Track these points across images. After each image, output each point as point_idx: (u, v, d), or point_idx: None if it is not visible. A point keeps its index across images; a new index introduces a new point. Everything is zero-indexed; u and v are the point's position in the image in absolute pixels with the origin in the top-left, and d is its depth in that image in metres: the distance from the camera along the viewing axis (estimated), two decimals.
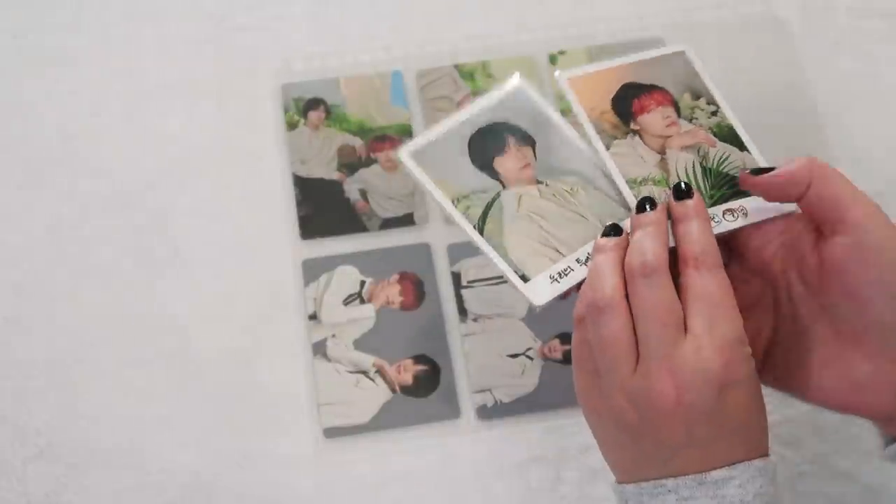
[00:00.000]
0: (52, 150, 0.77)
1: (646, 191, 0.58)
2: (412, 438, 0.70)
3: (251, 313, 0.73)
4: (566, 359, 0.72)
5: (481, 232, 0.57)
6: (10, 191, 0.76)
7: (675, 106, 0.62)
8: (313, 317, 0.72)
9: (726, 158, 0.60)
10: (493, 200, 0.58)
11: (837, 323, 0.56)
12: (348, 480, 0.69)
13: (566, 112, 0.78)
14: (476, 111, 0.60)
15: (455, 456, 0.70)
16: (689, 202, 0.56)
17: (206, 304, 0.73)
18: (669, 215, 0.56)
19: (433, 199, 0.58)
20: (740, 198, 0.58)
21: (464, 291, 0.73)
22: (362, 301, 0.73)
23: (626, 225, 0.56)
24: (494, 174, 0.59)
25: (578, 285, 0.57)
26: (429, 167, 0.58)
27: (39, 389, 0.71)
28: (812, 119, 0.78)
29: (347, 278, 0.73)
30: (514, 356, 0.72)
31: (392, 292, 0.73)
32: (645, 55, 0.63)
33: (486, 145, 0.60)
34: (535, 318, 0.72)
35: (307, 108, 0.78)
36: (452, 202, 0.58)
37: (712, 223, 0.56)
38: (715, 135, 0.61)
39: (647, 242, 0.54)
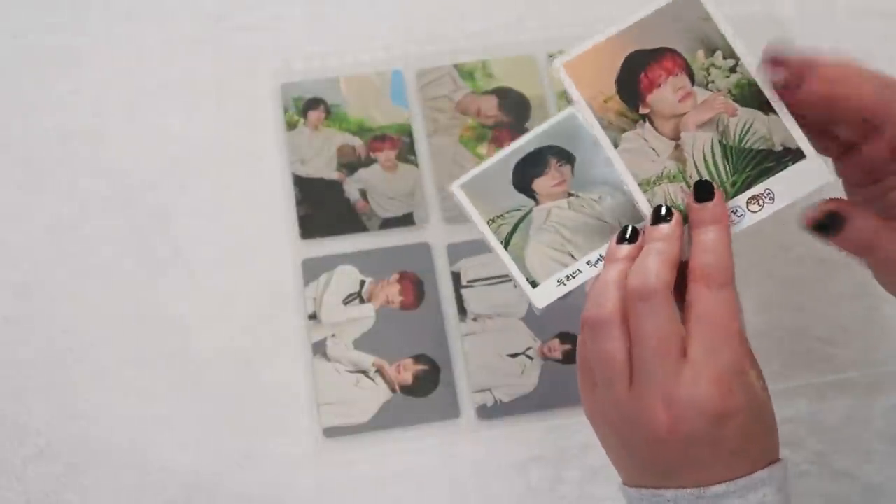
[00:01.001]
0: (52, 150, 0.76)
1: (660, 193, 0.56)
2: (412, 438, 0.70)
3: (251, 313, 0.73)
4: (566, 358, 0.72)
5: (506, 246, 0.58)
6: (10, 191, 0.75)
7: (688, 70, 0.57)
8: (313, 316, 0.72)
9: (748, 128, 0.56)
10: (525, 216, 0.58)
11: None
12: (348, 480, 0.69)
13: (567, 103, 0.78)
14: (525, 141, 0.60)
15: (455, 455, 0.70)
16: (709, 205, 0.54)
17: (206, 304, 0.73)
18: (687, 219, 0.55)
19: (479, 230, 0.59)
20: (765, 178, 0.55)
21: (464, 291, 0.73)
22: (362, 301, 0.73)
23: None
24: (531, 193, 0.59)
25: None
26: (478, 199, 0.59)
27: (39, 389, 0.71)
28: None
29: (347, 278, 0.73)
30: (514, 356, 0.72)
31: (392, 292, 0.73)
32: (647, 9, 0.58)
33: (527, 169, 0.59)
34: (535, 317, 0.72)
35: (307, 107, 0.78)
36: (487, 223, 0.58)
37: (735, 217, 0.55)
38: (735, 99, 0.57)
39: (651, 262, 0.52)
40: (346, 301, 0.73)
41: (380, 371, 0.71)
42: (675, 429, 0.51)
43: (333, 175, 0.76)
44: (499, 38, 0.80)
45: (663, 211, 0.55)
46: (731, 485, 0.51)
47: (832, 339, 0.73)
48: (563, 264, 0.57)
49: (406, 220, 0.75)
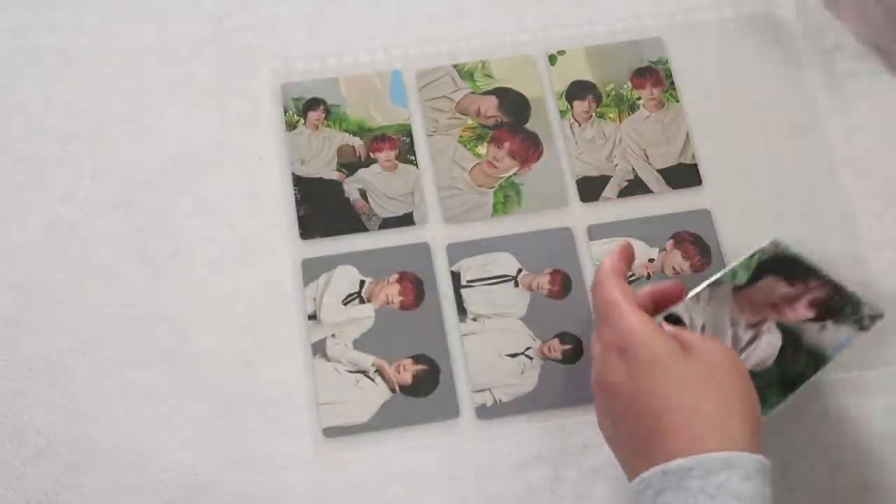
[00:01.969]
0: (52, 150, 0.76)
1: None
2: (412, 438, 0.70)
3: (251, 313, 0.73)
4: (565, 358, 0.72)
5: None
6: (10, 191, 0.75)
7: None
8: (313, 316, 0.72)
9: None
10: None
11: None
12: (348, 480, 0.69)
13: (565, 113, 0.78)
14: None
15: (454, 455, 0.70)
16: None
17: (206, 304, 0.73)
18: None
19: None
20: None
21: (463, 291, 0.73)
22: (362, 301, 0.73)
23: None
24: None
25: None
26: None
27: (39, 389, 0.71)
28: (812, 119, 0.78)
29: (347, 278, 0.73)
30: (514, 356, 0.72)
31: (391, 292, 0.73)
32: None
33: None
34: (535, 317, 0.73)
35: (307, 108, 0.78)
36: None
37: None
38: None
39: None
40: (346, 301, 0.73)
41: (379, 371, 0.71)
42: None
43: (333, 175, 0.76)
44: (498, 39, 0.80)
45: None
46: (690, 460, 0.53)
47: None
48: None
49: (406, 220, 0.75)
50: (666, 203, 0.76)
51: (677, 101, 0.79)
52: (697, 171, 0.77)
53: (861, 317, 0.69)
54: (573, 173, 0.76)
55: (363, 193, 0.76)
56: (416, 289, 0.73)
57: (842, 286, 0.70)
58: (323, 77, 0.79)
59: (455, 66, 0.79)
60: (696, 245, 0.75)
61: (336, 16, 0.81)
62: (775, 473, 0.55)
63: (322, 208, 0.75)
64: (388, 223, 0.75)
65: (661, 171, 0.77)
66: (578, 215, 0.75)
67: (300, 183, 0.76)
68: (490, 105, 0.78)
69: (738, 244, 0.75)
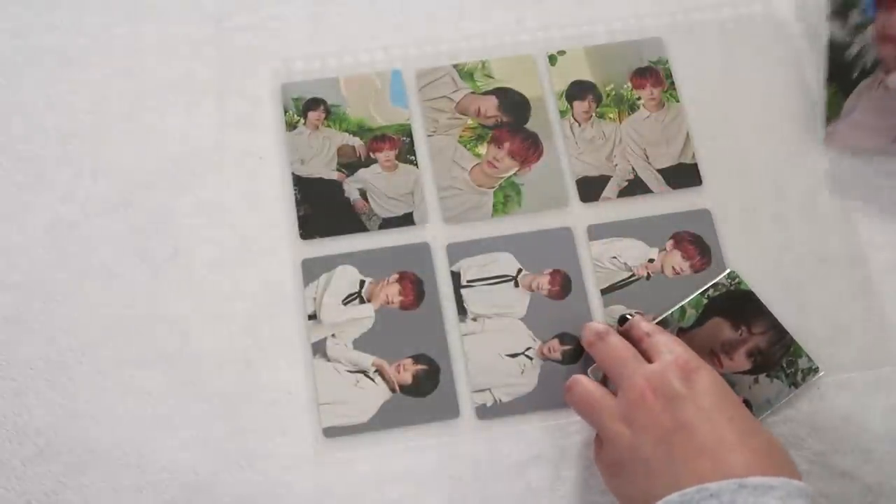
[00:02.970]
0: (52, 150, 0.77)
1: None
2: (412, 438, 0.70)
3: (251, 313, 0.73)
4: (565, 359, 0.72)
5: None
6: (10, 191, 0.75)
7: None
8: (313, 316, 0.72)
9: None
10: None
11: None
12: (348, 480, 0.69)
13: (565, 113, 0.78)
14: None
15: (454, 455, 0.70)
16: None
17: (206, 304, 0.73)
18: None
19: None
20: None
21: (463, 291, 0.73)
22: (362, 301, 0.73)
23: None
24: None
25: None
26: None
27: (39, 389, 0.71)
28: (812, 119, 0.78)
29: (347, 278, 0.73)
30: (514, 356, 0.72)
31: (391, 292, 0.73)
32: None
33: None
34: (535, 317, 0.73)
35: (307, 108, 0.78)
36: None
37: None
38: None
39: None
40: (346, 301, 0.73)
41: (379, 371, 0.71)
42: (654, 389, 0.62)
43: (333, 175, 0.76)
44: (498, 39, 0.80)
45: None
46: (772, 479, 0.55)
47: (832, 339, 0.73)
48: None
49: (406, 220, 0.75)
50: (666, 203, 0.76)
51: (677, 101, 0.79)
52: (697, 170, 0.77)
53: (795, 371, 0.71)
54: (573, 173, 0.76)
55: (363, 193, 0.76)
56: (416, 289, 0.73)
57: (785, 333, 0.72)
58: (323, 77, 0.79)
59: (455, 66, 0.79)
60: (696, 245, 0.75)
61: (336, 16, 0.81)
62: None
63: (322, 208, 0.75)
64: (388, 223, 0.75)
65: (661, 171, 0.77)
66: (578, 215, 0.75)
67: (300, 183, 0.76)
68: (490, 105, 0.78)
69: (738, 244, 0.75)
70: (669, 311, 0.72)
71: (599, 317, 0.73)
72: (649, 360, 0.65)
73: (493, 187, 0.76)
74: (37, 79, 0.79)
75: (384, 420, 0.70)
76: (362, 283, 0.73)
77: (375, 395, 0.71)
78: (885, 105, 0.73)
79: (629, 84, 0.79)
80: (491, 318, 0.73)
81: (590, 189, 0.76)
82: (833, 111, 0.76)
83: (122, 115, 0.78)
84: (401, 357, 0.72)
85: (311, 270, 0.73)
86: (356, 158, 0.77)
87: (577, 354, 0.72)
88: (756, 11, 0.81)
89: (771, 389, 0.70)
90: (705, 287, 0.72)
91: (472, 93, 0.78)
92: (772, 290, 0.73)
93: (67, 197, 0.75)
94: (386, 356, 0.72)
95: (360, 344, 0.72)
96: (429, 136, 0.77)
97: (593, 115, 0.78)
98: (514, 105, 0.78)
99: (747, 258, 0.74)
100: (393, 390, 0.71)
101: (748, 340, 0.71)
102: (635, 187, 0.76)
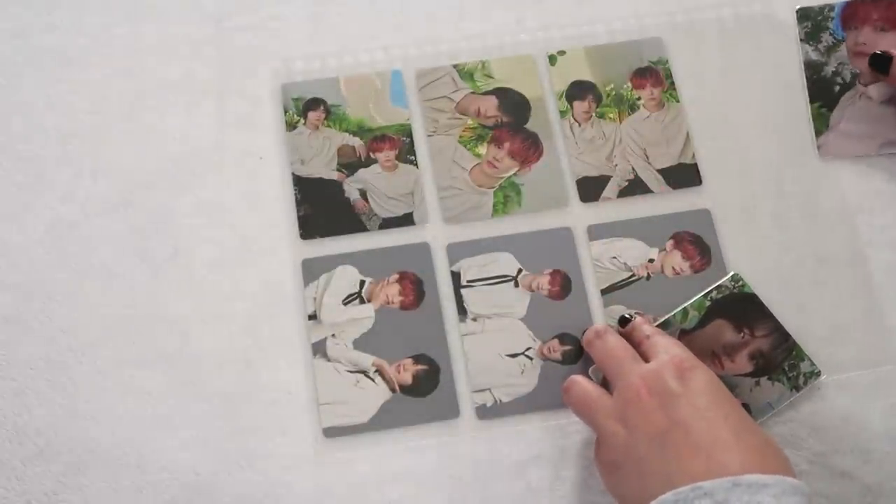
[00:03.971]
0: (52, 150, 0.77)
1: None
2: (412, 438, 0.70)
3: (251, 313, 0.73)
4: (565, 359, 0.72)
5: None
6: (10, 191, 0.75)
7: None
8: (313, 316, 0.72)
9: None
10: None
11: None
12: (348, 480, 0.69)
13: (565, 113, 0.78)
14: None
15: (454, 455, 0.70)
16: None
17: (206, 304, 0.73)
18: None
19: None
20: None
21: (463, 291, 0.73)
22: (362, 301, 0.73)
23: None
24: None
25: None
26: None
27: (39, 389, 0.71)
28: (811, 118, 0.78)
29: (347, 278, 0.73)
30: (514, 356, 0.72)
31: (391, 292, 0.73)
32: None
33: None
34: (535, 318, 0.73)
35: (307, 108, 0.78)
36: None
37: None
38: None
39: None
40: (346, 301, 0.73)
41: (380, 371, 0.71)
42: (650, 389, 0.62)
43: (333, 175, 0.76)
44: (498, 39, 0.80)
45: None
46: (766, 477, 0.55)
47: (832, 339, 0.73)
48: None
49: (406, 220, 0.75)
50: (666, 203, 0.76)
51: (677, 101, 0.79)
52: (697, 170, 0.77)
53: (797, 375, 0.71)
54: (573, 173, 0.76)
55: (363, 193, 0.76)
56: (416, 289, 0.73)
57: (787, 337, 0.72)
58: (323, 77, 0.79)
59: (455, 67, 0.79)
60: (696, 245, 0.75)
61: (336, 16, 0.81)
62: None
63: (322, 208, 0.75)
64: (388, 223, 0.75)
65: (661, 171, 0.77)
66: (578, 215, 0.75)
67: (300, 183, 0.76)
68: (490, 105, 0.78)
69: (738, 244, 0.75)
70: (672, 313, 0.72)
71: (599, 317, 0.73)
72: (648, 362, 0.65)
73: (493, 187, 0.76)
74: (37, 79, 0.79)
75: (384, 420, 0.70)
76: (362, 283, 0.73)
77: (375, 395, 0.71)
78: (870, 114, 0.78)
79: (629, 84, 0.79)
80: (491, 318, 0.73)
81: (590, 189, 0.76)
82: (821, 125, 0.78)
83: (122, 115, 0.78)
84: (401, 357, 0.72)
85: (311, 270, 0.73)
86: (356, 158, 0.77)
87: (577, 355, 0.72)
88: (756, 11, 0.81)
89: (772, 392, 0.70)
90: (708, 289, 0.72)
91: (472, 93, 0.78)
92: (772, 289, 0.73)
93: (67, 197, 0.75)
94: (386, 356, 0.72)
95: (360, 344, 0.72)
96: (429, 136, 0.77)
97: (593, 115, 0.78)
98: (514, 105, 0.78)
99: (747, 258, 0.74)
100: (393, 390, 0.71)
101: (750, 343, 0.71)
102: (635, 187, 0.76)
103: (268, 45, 0.80)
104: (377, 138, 0.77)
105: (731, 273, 0.73)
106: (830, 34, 0.80)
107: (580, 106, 0.78)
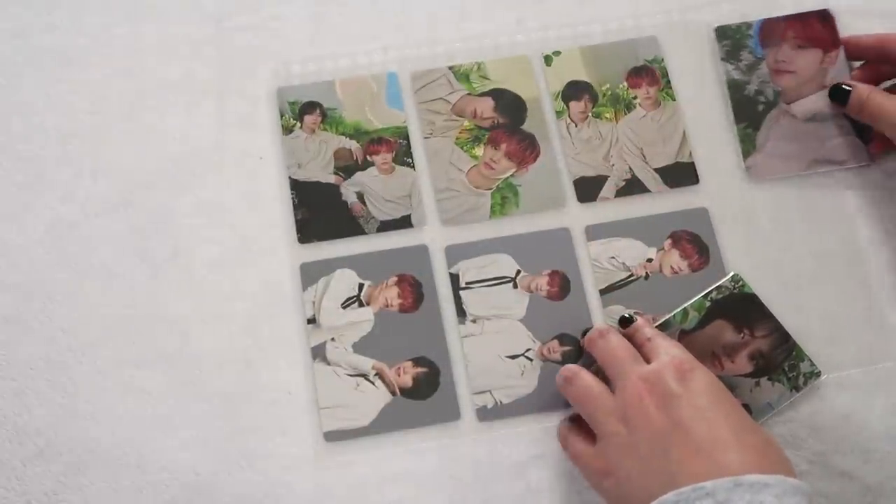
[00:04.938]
0: (52, 150, 0.77)
1: None
2: (412, 440, 0.70)
3: (251, 313, 0.73)
4: (565, 360, 0.72)
5: None
6: (10, 191, 0.76)
7: None
8: (312, 320, 0.72)
9: None
10: None
11: None
12: (348, 481, 0.69)
13: (561, 113, 0.78)
14: None
15: (455, 457, 0.70)
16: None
17: (206, 304, 0.73)
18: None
19: None
20: None
21: (462, 293, 0.73)
22: (361, 304, 0.73)
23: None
24: None
25: None
26: None
27: (39, 389, 0.71)
28: None
29: (346, 281, 0.73)
30: (514, 357, 0.72)
31: (390, 295, 0.73)
32: None
33: None
34: (534, 319, 0.73)
35: (303, 111, 0.77)
36: None
37: None
38: None
39: None
40: (345, 304, 0.73)
41: (379, 374, 0.71)
42: (651, 390, 0.63)
43: (330, 179, 0.76)
44: (494, 40, 0.80)
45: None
46: (767, 477, 0.56)
47: (832, 339, 0.73)
48: None
49: (404, 223, 0.75)
50: (663, 202, 0.76)
51: (673, 100, 0.78)
52: (695, 169, 0.77)
53: (797, 375, 0.71)
54: (570, 174, 0.76)
55: (360, 196, 0.76)
56: (414, 291, 0.73)
57: (788, 337, 0.72)
58: (319, 80, 0.78)
59: (451, 68, 0.79)
60: (694, 244, 0.75)
61: (337, 16, 0.81)
62: None
63: (319, 212, 0.75)
64: (385, 226, 0.75)
65: (658, 171, 0.77)
66: (576, 216, 0.75)
67: (297, 187, 0.76)
68: (486, 106, 0.78)
69: (736, 243, 0.75)
70: (672, 314, 0.72)
71: (599, 317, 0.73)
72: (648, 363, 0.65)
73: (490, 189, 0.76)
74: (37, 79, 0.79)
75: (385, 423, 0.70)
76: (361, 286, 0.73)
77: (376, 398, 0.71)
78: (795, 133, 0.78)
79: (625, 83, 0.79)
80: (490, 319, 0.73)
81: (587, 189, 0.76)
82: (748, 146, 0.78)
83: (122, 115, 0.78)
84: (401, 360, 0.72)
85: (310, 274, 0.73)
86: (353, 161, 0.77)
87: (576, 355, 0.72)
88: (756, 11, 0.81)
89: (772, 393, 0.70)
90: (708, 290, 0.72)
91: (468, 94, 0.78)
92: (771, 289, 0.73)
93: (67, 197, 0.75)
94: (386, 359, 0.72)
95: (359, 347, 0.72)
96: (425, 138, 0.77)
97: (589, 115, 0.78)
98: (511, 106, 0.78)
99: (745, 257, 0.74)
100: (393, 393, 0.71)
101: (750, 343, 0.71)
102: (632, 187, 0.76)
103: (268, 46, 0.80)
104: (374, 141, 0.77)
105: (731, 273, 0.73)
106: (750, 52, 0.79)
107: (576, 106, 0.78)
